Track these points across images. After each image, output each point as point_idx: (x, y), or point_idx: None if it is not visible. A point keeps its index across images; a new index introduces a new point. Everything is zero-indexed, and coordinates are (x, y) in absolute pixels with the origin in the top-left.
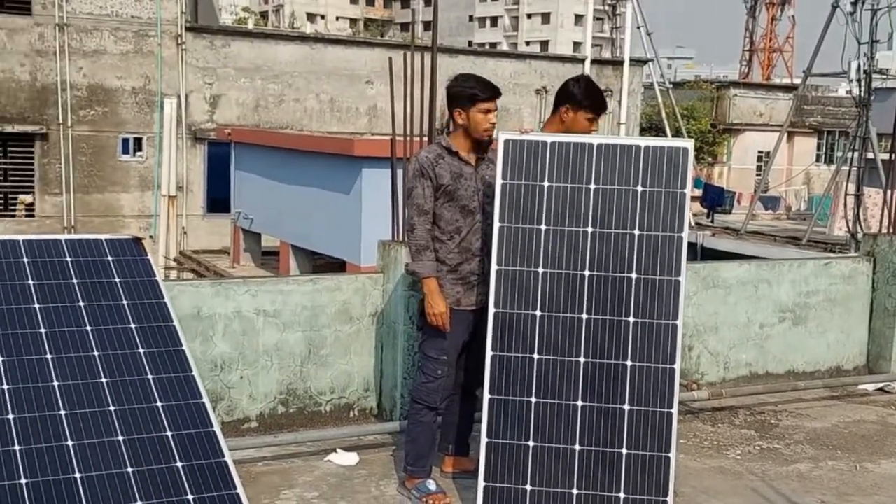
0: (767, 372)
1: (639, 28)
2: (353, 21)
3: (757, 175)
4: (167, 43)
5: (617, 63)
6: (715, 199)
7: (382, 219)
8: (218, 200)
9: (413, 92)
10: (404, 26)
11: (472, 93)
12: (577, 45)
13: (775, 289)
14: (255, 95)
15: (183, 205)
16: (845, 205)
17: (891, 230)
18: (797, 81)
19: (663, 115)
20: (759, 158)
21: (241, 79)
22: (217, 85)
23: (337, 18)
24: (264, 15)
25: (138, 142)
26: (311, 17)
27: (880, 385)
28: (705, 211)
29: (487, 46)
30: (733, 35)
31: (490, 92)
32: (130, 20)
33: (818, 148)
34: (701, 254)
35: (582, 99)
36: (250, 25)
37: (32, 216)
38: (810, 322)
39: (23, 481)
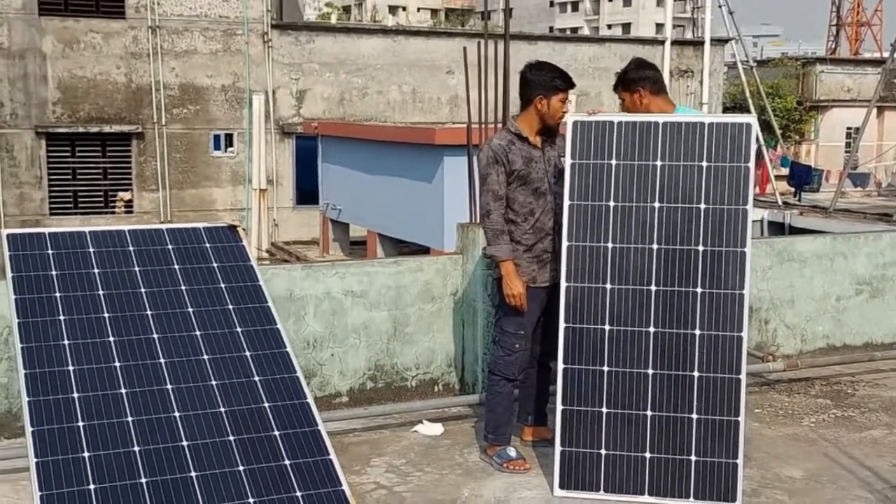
0: (844, 344)
1: (720, 7)
2: (434, 12)
3: (846, 152)
4: (254, 41)
5: (698, 43)
6: (802, 177)
7: (464, 205)
8: (307, 192)
9: (488, 80)
10: (485, 15)
11: (554, 83)
12: (659, 26)
13: (851, 261)
14: (340, 89)
15: (273, 197)
16: None
17: None
18: (886, 55)
19: (747, 93)
20: (848, 135)
21: (325, 73)
22: (303, 80)
23: (418, 10)
24: (346, 9)
25: (229, 138)
26: (392, 9)
27: None
28: (792, 190)
29: (568, 31)
30: (821, 10)
31: (570, 84)
32: (219, 20)
33: None
34: (789, 232)
35: (550, 82)
36: (333, 20)
37: (131, 212)
38: (888, 294)
39: (136, 449)
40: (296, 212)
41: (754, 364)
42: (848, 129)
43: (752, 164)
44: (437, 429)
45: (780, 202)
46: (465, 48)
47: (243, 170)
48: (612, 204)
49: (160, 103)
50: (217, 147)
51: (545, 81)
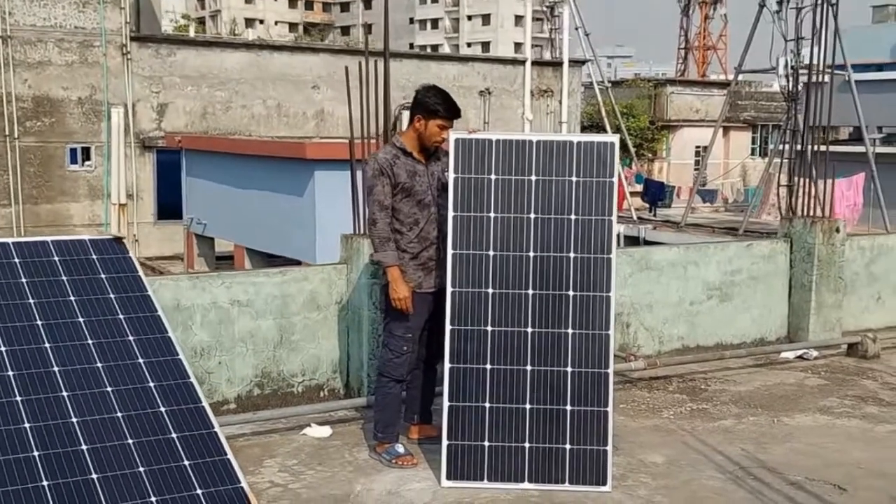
0: (698, 344)
1: (577, 29)
2: (293, 25)
3: (695, 169)
4: (112, 53)
5: (557, 64)
6: (656, 193)
7: (335, 218)
8: (168, 207)
9: (365, 96)
10: (344, 30)
11: (435, 108)
12: (518, 45)
13: (703, 269)
14: (203, 103)
15: (134, 212)
16: (777, 194)
17: (805, 213)
18: (731, 78)
19: (603, 113)
20: (697, 153)
21: (187, 87)
22: (164, 93)
23: (276, 23)
24: (201, 21)
25: (86, 151)
26: (249, 21)
27: (799, 353)
28: (647, 205)
29: (429, 49)
30: (671, 33)
31: (451, 113)
32: (74, 31)
33: (753, 142)
34: (644, 246)
35: (432, 107)
36: (191, 33)
37: None
38: (735, 298)
39: (35, 454)
40: (157, 227)
41: (618, 364)
42: (697, 147)
43: (615, 179)
44: (325, 431)
45: (635, 217)
46: (346, 67)
47: (101, 184)
48: (492, 215)
49: (13, 115)
50: (74, 161)
51: (428, 105)
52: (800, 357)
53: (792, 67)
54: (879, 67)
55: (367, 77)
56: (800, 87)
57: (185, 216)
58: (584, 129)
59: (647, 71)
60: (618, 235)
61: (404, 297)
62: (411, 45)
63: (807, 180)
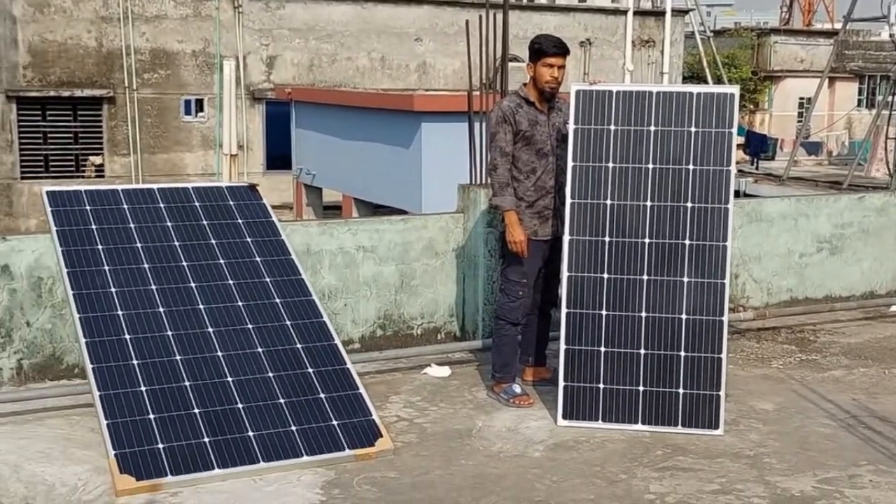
0: (806, 297)
1: None
2: None
3: (798, 121)
4: (224, 6)
5: (658, 13)
6: (758, 145)
7: (441, 169)
8: (277, 158)
9: (480, 48)
10: None
11: (538, 48)
12: None
13: (813, 221)
14: (310, 55)
15: (244, 163)
16: (885, 147)
17: None
18: (838, 26)
19: (704, 63)
20: (801, 105)
21: (295, 39)
22: (273, 46)
23: None
24: None
25: (200, 103)
26: None
27: None
28: (748, 158)
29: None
30: None
31: (555, 49)
32: None
33: (859, 93)
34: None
35: (536, 47)
36: None
37: (102, 176)
38: (846, 251)
39: (186, 384)
40: (266, 177)
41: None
42: (801, 98)
43: (734, 130)
44: (445, 371)
45: (735, 171)
46: (467, 21)
47: (214, 135)
48: (610, 165)
49: (131, 68)
50: (188, 112)
51: (534, 49)
52: None
53: None
54: None
55: (486, 28)
56: None
57: (295, 166)
58: (684, 80)
59: (749, 20)
60: None
61: (520, 241)
62: None
63: None
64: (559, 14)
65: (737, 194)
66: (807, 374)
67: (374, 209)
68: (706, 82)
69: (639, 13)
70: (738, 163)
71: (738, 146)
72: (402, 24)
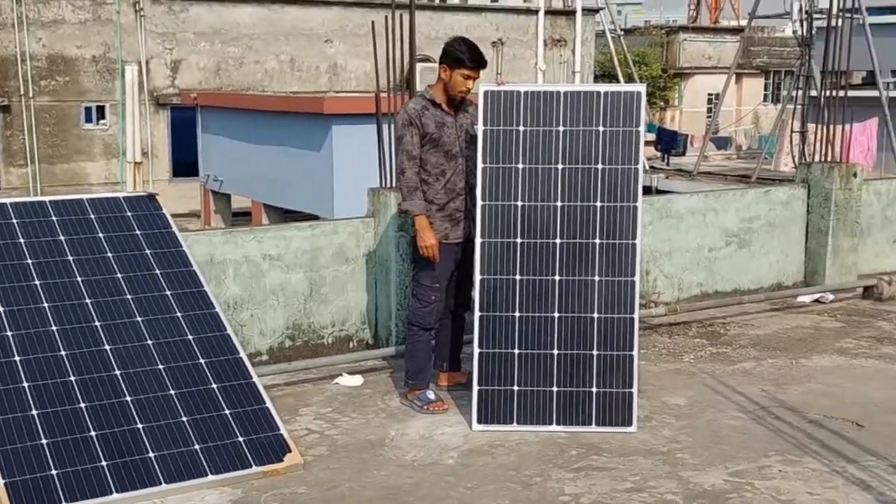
0: (716, 291)
1: None
2: None
3: (708, 117)
4: (125, 10)
5: (569, 13)
6: (669, 142)
7: (352, 173)
8: (183, 164)
9: (389, 50)
10: None
11: (460, 57)
12: None
13: (721, 216)
14: (216, 59)
15: (149, 171)
16: (791, 141)
17: (823, 159)
18: (744, 23)
19: (615, 62)
20: (710, 101)
21: (200, 43)
22: (177, 50)
23: None
24: None
25: (101, 110)
26: None
27: (816, 297)
28: (660, 154)
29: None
30: None
31: (476, 63)
32: None
33: (765, 88)
34: (656, 195)
35: (457, 56)
36: None
37: None
38: (753, 244)
39: (82, 405)
40: (173, 184)
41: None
42: (709, 94)
43: (641, 129)
44: (357, 380)
45: (646, 167)
46: (373, 22)
47: (117, 142)
48: (520, 166)
49: (27, 75)
50: (88, 119)
51: (453, 55)
52: (816, 301)
53: (806, 12)
54: (893, 10)
55: (393, 29)
56: (813, 32)
57: (202, 173)
58: (596, 79)
59: (658, 18)
60: None
61: (431, 245)
62: None
63: (822, 126)
64: (471, 14)
65: (649, 190)
66: (717, 368)
67: (285, 215)
68: (618, 80)
69: (550, 13)
70: (649, 159)
71: (650, 143)
72: (311, 26)
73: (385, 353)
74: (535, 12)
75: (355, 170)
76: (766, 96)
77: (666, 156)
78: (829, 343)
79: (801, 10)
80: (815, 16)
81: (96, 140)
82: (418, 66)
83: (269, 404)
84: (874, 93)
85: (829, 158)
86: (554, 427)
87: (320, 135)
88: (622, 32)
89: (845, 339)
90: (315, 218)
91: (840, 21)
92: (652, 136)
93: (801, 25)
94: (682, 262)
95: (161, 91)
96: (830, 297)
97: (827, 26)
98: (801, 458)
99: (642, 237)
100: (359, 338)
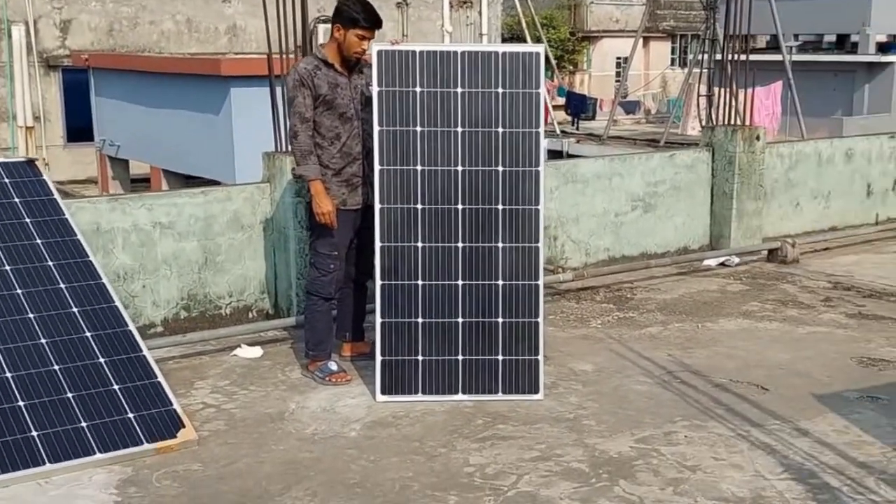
0: (623, 255)
1: None
2: None
3: (616, 81)
4: None
5: None
6: (578, 106)
7: (253, 136)
8: (79, 130)
9: (282, 9)
10: None
11: (354, 17)
12: None
13: (627, 180)
14: (108, 19)
15: (42, 136)
16: (698, 105)
17: (727, 122)
18: None
19: (524, 24)
20: (618, 65)
21: (91, 2)
22: (67, 9)
23: None
24: None
25: None
26: None
27: (721, 260)
28: (570, 119)
29: None
30: None
31: (371, 23)
32: None
33: (672, 52)
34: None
35: (351, 16)
36: None
37: None
38: (659, 209)
39: None
40: (67, 150)
41: (546, 276)
42: (618, 59)
43: (542, 91)
44: (256, 351)
45: (558, 131)
46: None
47: (5, 106)
48: (418, 129)
49: None
50: None
51: (347, 14)
52: (722, 264)
53: None
54: None
55: None
56: None
57: (97, 138)
58: (504, 41)
59: None
60: None
61: (328, 212)
62: None
63: (726, 90)
64: None
65: (560, 154)
66: (624, 332)
67: (186, 181)
68: (525, 42)
69: None
70: (559, 123)
71: (559, 107)
72: None
73: (286, 324)
74: None
75: (257, 134)
76: (673, 60)
77: (576, 120)
78: (735, 306)
79: None
80: None
81: None
82: (321, 27)
83: (160, 378)
84: (778, 57)
85: (733, 122)
86: (460, 396)
87: (219, 98)
88: None
89: (751, 302)
90: (216, 184)
91: None
92: (562, 101)
93: None
94: (589, 226)
95: (51, 52)
96: (736, 260)
97: None
98: (707, 422)
99: (546, 202)
100: (258, 308)
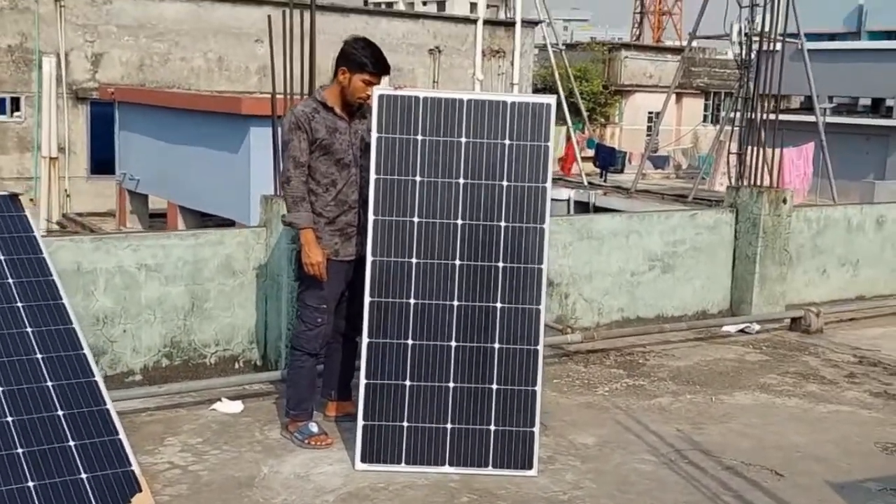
0: (638, 316)
1: None
2: None
3: (647, 135)
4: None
5: (509, 24)
6: (607, 158)
7: (271, 177)
8: (103, 162)
9: (293, 51)
10: None
11: (362, 61)
12: (473, 5)
13: (645, 239)
14: (140, 54)
15: (65, 167)
16: (728, 162)
17: (753, 182)
18: (685, 44)
19: (556, 76)
20: (650, 119)
21: (124, 37)
22: (99, 43)
23: None
24: None
25: (16, 102)
26: None
27: (741, 327)
28: (598, 171)
29: (383, 6)
30: None
31: (379, 69)
32: None
33: (705, 108)
34: (594, 212)
35: (358, 60)
36: None
37: None
38: (678, 269)
39: None
40: (90, 182)
41: (554, 336)
42: (650, 113)
43: (551, 144)
44: (236, 406)
45: (585, 183)
46: (269, 16)
47: (31, 136)
48: (417, 179)
49: None
50: (2, 111)
51: (355, 57)
52: (742, 331)
53: (745, 34)
54: (832, 37)
55: (292, 31)
56: (752, 55)
57: (118, 172)
58: (536, 92)
59: (603, 35)
60: (567, 201)
61: (317, 263)
62: (365, 2)
63: (756, 148)
64: (408, 21)
65: (586, 206)
66: (632, 402)
67: (202, 218)
68: (558, 94)
69: (489, 23)
70: (587, 175)
71: (588, 159)
72: (241, 25)
73: (271, 377)
74: (475, 22)
75: (272, 174)
76: (706, 117)
77: (604, 172)
78: (752, 378)
79: (740, 31)
80: (753, 38)
81: (10, 133)
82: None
83: (121, 435)
84: (812, 118)
85: (759, 182)
86: (446, 469)
87: (238, 137)
88: (564, 47)
89: (769, 374)
90: (231, 224)
91: (777, 45)
92: (591, 153)
93: (741, 47)
94: (604, 285)
95: (80, 85)
96: (756, 327)
97: (759, 50)
98: None
99: (554, 260)
100: (245, 358)
